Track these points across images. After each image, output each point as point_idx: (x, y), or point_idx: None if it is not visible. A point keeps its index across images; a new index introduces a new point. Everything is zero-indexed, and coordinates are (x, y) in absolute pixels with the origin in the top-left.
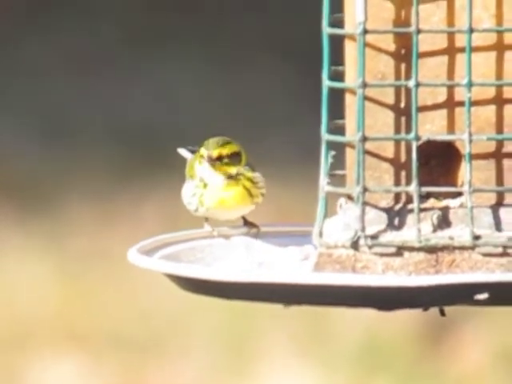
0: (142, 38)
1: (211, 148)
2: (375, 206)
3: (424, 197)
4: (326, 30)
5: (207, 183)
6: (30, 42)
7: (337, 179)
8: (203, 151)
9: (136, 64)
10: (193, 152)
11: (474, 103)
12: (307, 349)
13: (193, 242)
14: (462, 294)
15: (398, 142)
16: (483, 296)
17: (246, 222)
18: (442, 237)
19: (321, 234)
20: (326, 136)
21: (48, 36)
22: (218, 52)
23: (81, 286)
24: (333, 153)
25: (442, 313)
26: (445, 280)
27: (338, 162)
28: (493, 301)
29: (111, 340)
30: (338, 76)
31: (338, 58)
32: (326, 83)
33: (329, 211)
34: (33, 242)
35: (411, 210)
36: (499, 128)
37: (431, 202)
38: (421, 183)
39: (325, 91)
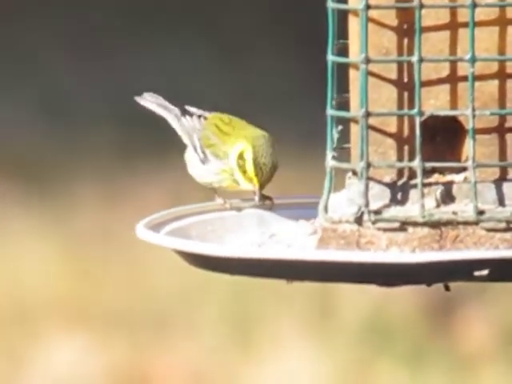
0: (142, 21)
1: (260, 174)
2: (379, 182)
3: (429, 172)
4: (330, 4)
5: (237, 180)
6: (31, 23)
7: (346, 153)
8: (250, 170)
9: (137, 46)
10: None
11: (478, 78)
12: (312, 328)
13: (203, 215)
14: (466, 270)
15: (402, 118)
16: (482, 273)
17: (260, 195)
18: (445, 212)
19: (326, 209)
20: (330, 111)
21: (49, 18)
22: (217, 35)
23: (86, 266)
24: (340, 127)
25: (447, 288)
26: (447, 256)
27: (347, 136)
28: (498, 276)
29: (118, 320)
30: (342, 52)
31: (343, 34)
32: (330, 58)
33: (340, 186)
34: (37, 222)
35: (415, 185)
36: (503, 103)
37: (435, 177)
38: (426, 158)
39: (329, 66)
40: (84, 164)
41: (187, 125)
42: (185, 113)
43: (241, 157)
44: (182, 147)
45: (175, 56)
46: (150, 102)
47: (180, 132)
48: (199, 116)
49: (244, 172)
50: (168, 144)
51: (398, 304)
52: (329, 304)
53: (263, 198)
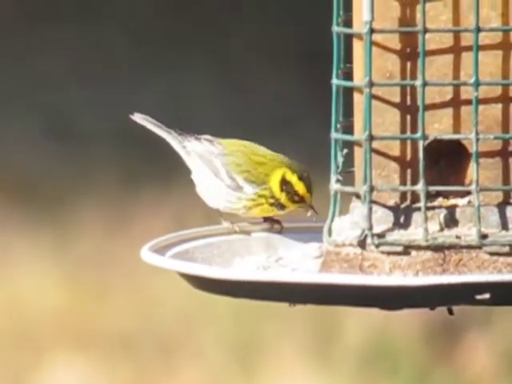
0: (149, 45)
1: (310, 189)
2: (383, 205)
3: (433, 195)
4: (335, 28)
5: (272, 204)
6: (40, 44)
7: (352, 177)
8: (301, 189)
9: (146, 71)
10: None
11: (482, 102)
12: (315, 351)
13: (210, 238)
14: (469, 294)
15: (405, 141)
16: (484, 296)
17: (268, 219)
18: (449, 236)
19: (330, 232)
20: (334, 135)
21: (58, 41)
22: (221, 58)
23: (89, 290)
24: (345, 151)
25: (450, 312)
26: (450, 280)
27: (353, 159)
28: (501, 300)
29: (121, 344)
30: (349, 76)
31: (348, 58)
32: (335, 82)
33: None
34: (40, 246)
35: (418, 209)
36: (506, 127)
37: (439, 201)
38: (430, 182)
39: (334, 90)
40: (88, 188)
41: (199, 148)
42: (183, 135)
43: (284, 181)
44: (187, 173)
45: (181, 80)
46: (146, 121)
47: (184, 154)
48: (209, 140)
49: (290, 193)
50: (172, 169)
51: (401, 328)
52: (331, 328)
53: (271, 221)
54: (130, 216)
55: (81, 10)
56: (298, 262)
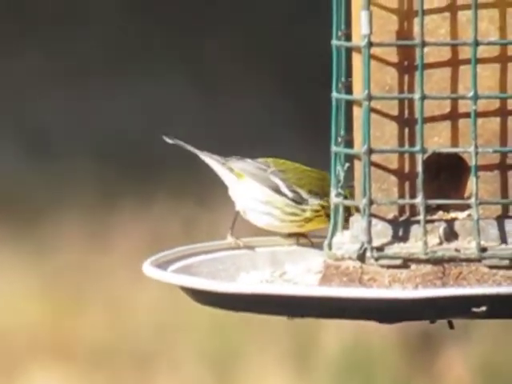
0: (129, 55)
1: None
2: (382, 218)
3: (433, 209)
4: (334, 42)
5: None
6: (14, 60)
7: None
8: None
9: (122, 80)
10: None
11: (481, 116)
12: (292, 361)
13: (214, 253)
14: (468, 307)
15: (405, 155)
16: (481, 309)
17: (294, 234)
18: (448, 249)
19: (330, 246)
20: (334, 148)
21: (32, 55)
22: (196, 68)
23: (66, 303)
24: (347, 165)
25: (451, 325)
26: (448, 293)
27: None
28: (499, 313)
29: (98, 358)
30: (348, 90)
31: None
32: (335, 95)
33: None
34: (18, 258)
35: (418, 222)
36: (505, 140)
37: (439, 214)
38: (430, 196)
39: (334, 103)
40: (65, 200)
41: (245, 166)
42: (219, 155)
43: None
44: (167, 186)
45: (160, 93)
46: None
47: (224, 171)
48: (253, 159)
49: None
50: (152, 182)
51: (378, 338)
52: (310, 338)
53: (301, 235)
54: (108, 228)
55: (54, 17)
56: (301, 277)
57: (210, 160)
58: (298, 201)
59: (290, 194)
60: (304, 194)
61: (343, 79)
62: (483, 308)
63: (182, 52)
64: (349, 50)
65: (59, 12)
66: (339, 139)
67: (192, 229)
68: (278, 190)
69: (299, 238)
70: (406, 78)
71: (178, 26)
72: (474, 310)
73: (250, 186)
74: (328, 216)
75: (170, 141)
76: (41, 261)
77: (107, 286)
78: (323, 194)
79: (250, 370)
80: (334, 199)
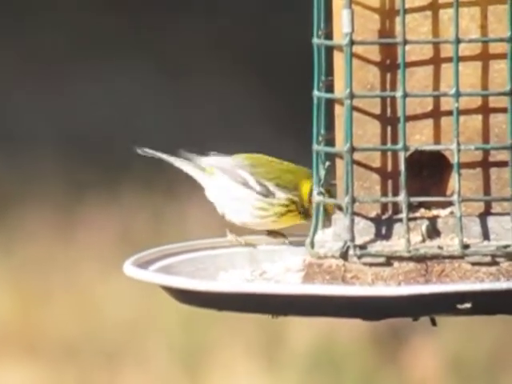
0: (91, 44)
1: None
2: (365, 217)
3: (415, 206)
4: (316, 40)
5: (301, 213)
6: None
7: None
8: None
9: (85, 68)
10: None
11: (463, 113)
12: (261, 355)
13: (193, 253)
14: (451, 304)
15: (387, 153)
16: (466, 306)
17: (272, 232)
18: (431, 246)
19: (312, 245)
20: (315, 146)
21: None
22: (166, 58)
23: (33, 296)
24: (327, 164)
25: (433, 322)
26: (433, 289)
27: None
28: (483, 310)
29: (65, 349)
30: (329, 88)
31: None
32: (316, 94)
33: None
34: None
35: (401, 220)
36: (487, 138)
37: (421, 212)
38: (412, 193)
39: (315, 102)
40: (32, 192)
41: (216, 162)
42: (190, 154)
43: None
44: (135, 177)
45: (124, 82)
46: (149, 152)
47: (197, 171)
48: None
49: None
50: (119, 174)
51: (347, 333)
52: (278, 332)
53: (274, 234)
54: (75, 221)
55: (18, 11)
56: (281, 276)
57: (184, 165)
58: (265, 194)
59: (257, 188)
60: (271, 188)
61: (323, 78)
62: (468, 305)
63: (150, 40)
64: (329, 49)
65: (23, 4)
66: (320, 138)
67: (160, 220)
68: (246, 184)
69: (277, 236)
70: (388, 76)
71: (142, 17)
72: (459, 306)
73: (221, 183)
74: (303, 212)
75: (141, 153)
76: (7, 254)
77: (75, 279)
78: (293, 188)
79: (219, 364)
80: (317, 197)
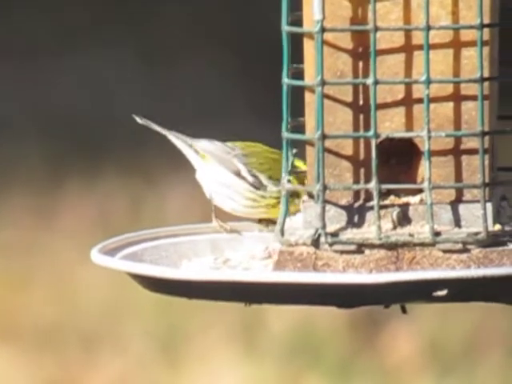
0: (69, 27)
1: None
2: (336, 204)
3: (384, 194)
4: (285, 28)
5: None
6: None
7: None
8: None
9: (68, 60)
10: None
11: (433, 100)
12: (239, 341)
13: (157, 240)
14: (423, 291)
15: (357, 140)
16: (442, 293)
17: (263, 219)
18: (402, 234)
19: (282, 232)
20: (285, 134)
21: None
22: (146, 40)
23: (12, 279)
24: (295, 151)
25: (404, 309)
26: (404, 277)
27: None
28: (452, 297)
29: (43, 335)
30: (298, 76)
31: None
32: (286, 81)
33: None
34: None
35: (371, 208)
36: (458, 125)
37: (391, 199)
38: (381, 181)
39: (284, 89)
40: (12, 177)
41: (211, 148)
42: (187, 136)
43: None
44: (115, 163)
45: (100, 70)
46: (146, 122)
47: (190, 153)
48: (221, 141)
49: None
50: (99, 159)
51: (325, 318)
52: (256, 318)
53: (270, 221)
54: (55, 205)
55: None
56: (246, 263)
57: (177, 141)
58: (257, 186)
59: (249, 179)
60: (264, 180)
61: (295, 65)
62: (443, 292)
63: (126, 28)
64: (299, 36)
65: None
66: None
67: (139, 206)
68: (238, 174)
69: (269, 224)
70: (359, 63)
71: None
72: (434, 294)
73: (214, 169)
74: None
75: (139, 121)
76: None
77: (54, 264)
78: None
79: (196, 349)
80: (286, 185)
